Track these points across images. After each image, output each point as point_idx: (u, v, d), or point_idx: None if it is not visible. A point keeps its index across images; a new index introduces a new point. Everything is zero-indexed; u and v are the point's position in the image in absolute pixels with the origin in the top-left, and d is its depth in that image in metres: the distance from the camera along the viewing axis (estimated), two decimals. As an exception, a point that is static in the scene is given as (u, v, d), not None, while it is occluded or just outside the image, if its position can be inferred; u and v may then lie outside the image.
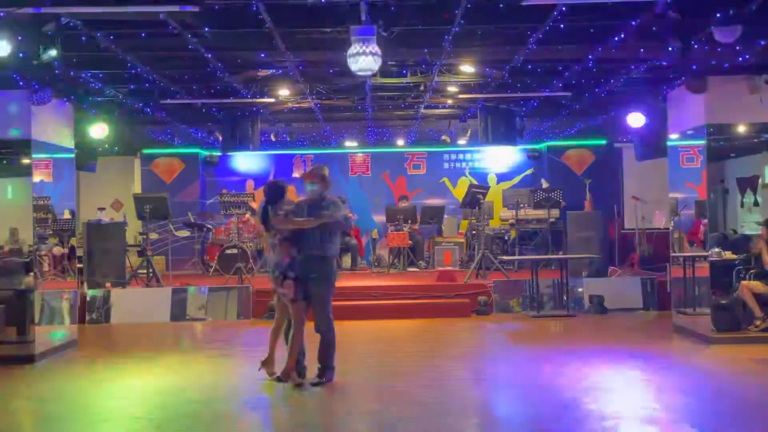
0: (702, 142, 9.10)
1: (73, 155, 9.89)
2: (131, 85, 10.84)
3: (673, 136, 9.97)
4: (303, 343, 6.95)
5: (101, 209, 15.13)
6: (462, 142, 16.43)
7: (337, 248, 7.07)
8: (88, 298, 11.39)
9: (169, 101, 11.76)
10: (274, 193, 6.96)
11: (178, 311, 11.48)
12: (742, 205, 14.12)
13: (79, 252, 12.09)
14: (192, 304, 11.52)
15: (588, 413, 5.87)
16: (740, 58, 8.41)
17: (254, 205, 13.98)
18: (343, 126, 16.09)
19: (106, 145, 12.65)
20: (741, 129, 9.97)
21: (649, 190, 14.92)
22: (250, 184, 17.46)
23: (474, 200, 13.33)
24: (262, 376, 7.02)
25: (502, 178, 17.73)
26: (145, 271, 12.53)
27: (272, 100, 12.40)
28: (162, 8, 7.18)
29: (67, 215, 11.00)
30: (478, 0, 7.47)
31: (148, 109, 12.40)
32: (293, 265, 6.71)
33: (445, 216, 15.41)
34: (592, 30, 8.47)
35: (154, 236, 13.85)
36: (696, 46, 7.90)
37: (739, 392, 6.60)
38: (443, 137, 16.52)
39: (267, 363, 7.06)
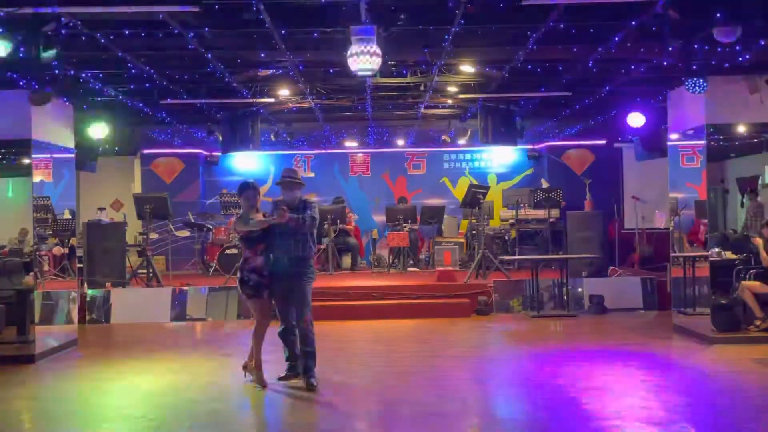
0: (702, 142, 9.10)
1: (73, 155, 9.89)
2: (131, 85, 10.85)
3: (673, 136, 9.97)
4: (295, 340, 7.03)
5: (101, 209, 15.14)
6: (462, 142, 16.43)
7: (314, 249, 7.10)
8: (88, 298, 11.38)
9: (169, 101, 11.77)
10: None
11: (178, 311, 11.48)
12: (742, 205, 14.12)
13: (79, 252, 12.09)
14: (192, 304, 11.52)
15: (588, 413, 5.87)
16: (740, 58, 8.42)
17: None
18: (343, 126, 16.10)
19: (106, 145, 12.65)
20: (741, 129, 9.97)
21: (649, 190, 14.93)
22: (250, 183, 17.43)
23: (474, 200, 13.33)
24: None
25: (502, 178, 17.74)
26: (145, 271, 12.53)
27: (272, 100, 12.41)
28: (162, 8, 7.19)
29: (67, 215, 11.01)
30: (478, 0, 7.47)
31: (148, 109, 12.40)
32: (243, 266, 6.80)
33: (445, 216, 15.41)
34: (592, 30, 8.47)
35: (154, 236, 13.86)
36: (696, 46, 7.91)
37: (739, 392, 6.60)
38: (443, 137, 16.52)
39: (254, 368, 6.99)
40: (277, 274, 6.83)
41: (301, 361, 6.92)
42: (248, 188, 6.99)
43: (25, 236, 11.82)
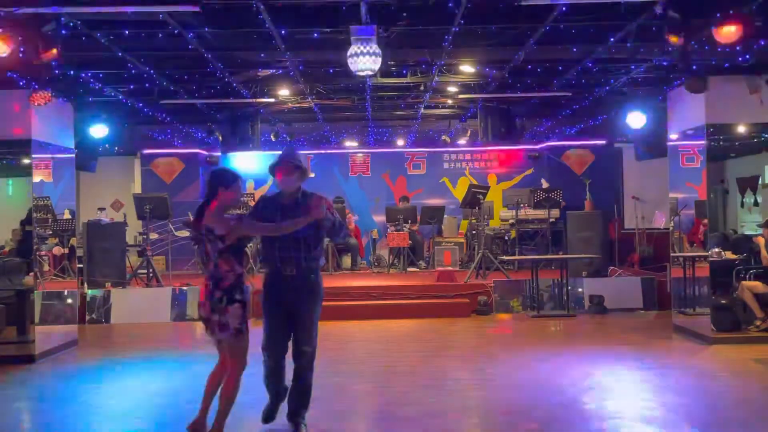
0: (702, 142, 9.10)
1: (73, 155, 9.89)
2: (131, 85, 10.86)
3: (673, 136, 9.97)
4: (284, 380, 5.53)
5: (101, 209, 15.13)
6: (462, 142, 16.44)
7: (322, 258, 5.61)
8: (88, 298, 11.39)
9: (169, 101, 11.78)
10: (216, 183, 5.02)
11: (178, 311, 11.48)
12: (742, 205, 14.12)
13: (79, 252, 12.09)
14: (192, 304, 11.51)
15: (588, 413, 5.87)
16: (740, 58, 8.42)
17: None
18: (343, 126, 16.13)
19: (106, 145, 12.66)
20: (741, 129, 9.96)
21: (649, 190, 14.92)
22: (250, 184, 17.46)
23: (474, 200, 13.33)
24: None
25: (502, 178, 17.73)
26: (145, 271, 12.53)
27: (272, 100, 12.43)
28: (162, 8, 7.19)
29: (67, 215, 10.99)
30: (478, 0, 7.48)
31: (148, 109, 12.41)
32: (240, 284, 4.98)
33: (445, 216, 15.41)
34: (592, 30, 8.48)
35: (154, 236, 13.86)
36: (696, 46, 7.91)
37: (739, 392, 6.60)
38: (443, 137, 16.54)
39: (198, 425, 5.12)
40: (277, 291, 5.30)
41: (290, 403, 5.46)
42: (239, 179, 5.11)
43: (18, 237, 11.78)
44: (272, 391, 5.53)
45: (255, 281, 12.03)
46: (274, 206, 5.29)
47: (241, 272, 4.99)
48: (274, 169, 5.31)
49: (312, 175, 17.40)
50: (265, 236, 5.29)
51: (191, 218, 5.07)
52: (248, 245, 5.33)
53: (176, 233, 14.56)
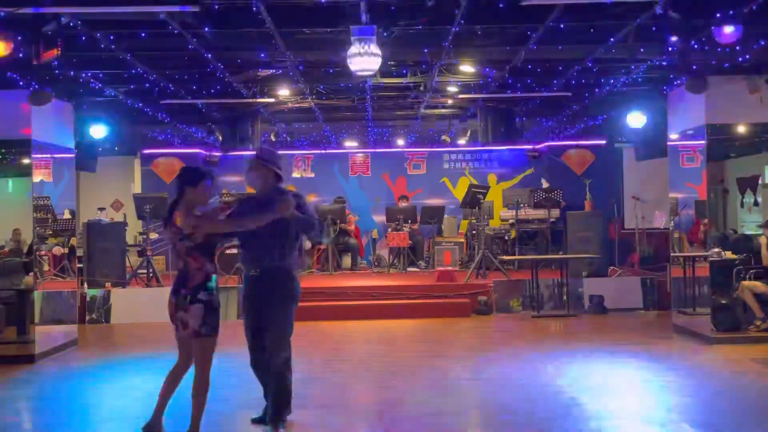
0: (702, 142, 9.10)
1: (73, 155, 9.89)
2: (131, 85, 10.86)
3: (673, 136, 9.97)
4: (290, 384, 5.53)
5: (101, 209, 15.13)
6: (462, 142, 16.44)
7: (300, 260, 5.58)
8: (88, 298, 11.39)
9: (169, 101, 11.77)
10: (188, 180, 4.99)
11: (178, 311, 11.46)
12: (742, 205, 14.13)
13: (79, 252, 12.09)
14: (192, 304, 11.49)
15: (588, 413, 5.87)
16: (740, 58, 8.42)
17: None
18: (343, 126, 16.12)
19: (106, 145, 12.66)
20: (741, 129, 9.96)
21: (649, 190, 14.92)
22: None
23: (474, 200, 13.33)
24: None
25: (502, 178, 17.73)
26: (145, 271, 12.53)
27: (272, 100, 12.42)
28: (162, 8, 7.19)
29: (67, 215, 11.00)
30: (478, 0, 7.48)
31: (148, 109, 12.41)
32: (206, 284, 4.93)
33: (445, 216, 15.41)
34: (592, 30, 8.48)
35: (154, 236, 13.85)
36: (696, 46, 7.91)
37: (739, 392, 6.60)
38: (443, 137, 16.54)
39: (154, 425, 5.30)
40: (247, 293, 5.34)
41: (269, 407, 5.47)
42: (206, 177, 4.99)
43: (18, 237, 11.79)
44: (259, 378, 5.62)
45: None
46: (250, 206, 5.25)
47: (212, 272, 4.95)
48: (246, 167, 5.35)
49: (312, 174, 17.44)
50: (241, 237, 5.26)
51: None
52: (218, 245, 5.22)
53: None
